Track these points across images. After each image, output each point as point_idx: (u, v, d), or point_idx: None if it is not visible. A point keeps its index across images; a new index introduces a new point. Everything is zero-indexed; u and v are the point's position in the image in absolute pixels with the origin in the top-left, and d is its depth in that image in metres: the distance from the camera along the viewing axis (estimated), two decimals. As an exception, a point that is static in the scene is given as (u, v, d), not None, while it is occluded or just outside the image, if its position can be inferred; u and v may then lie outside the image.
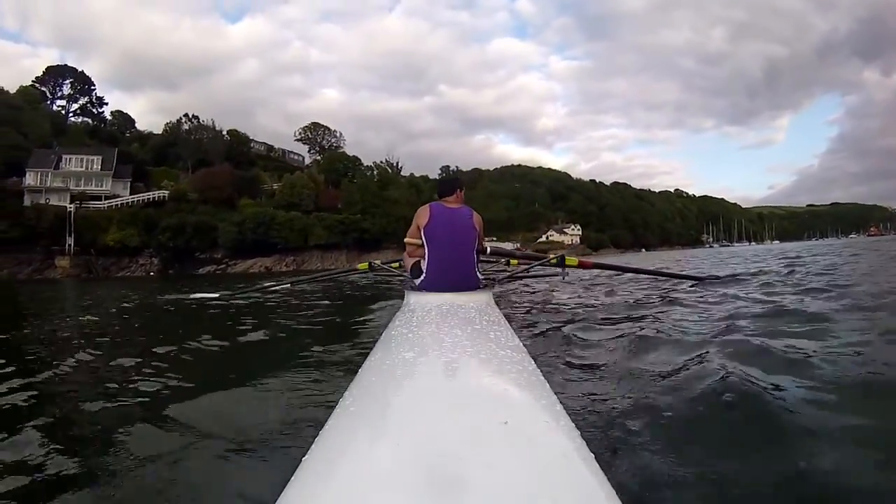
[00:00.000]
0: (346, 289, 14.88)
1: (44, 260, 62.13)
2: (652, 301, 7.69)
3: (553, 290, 10.14)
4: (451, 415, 1.47)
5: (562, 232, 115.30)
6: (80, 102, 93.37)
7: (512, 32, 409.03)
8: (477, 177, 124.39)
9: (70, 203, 67.64)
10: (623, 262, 18.23)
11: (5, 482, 2.44)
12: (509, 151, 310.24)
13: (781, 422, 2.46)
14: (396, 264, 7.90)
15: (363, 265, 8.82)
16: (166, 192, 74.17)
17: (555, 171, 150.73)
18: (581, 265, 7.81)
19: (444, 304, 4.17)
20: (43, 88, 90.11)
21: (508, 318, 4.26)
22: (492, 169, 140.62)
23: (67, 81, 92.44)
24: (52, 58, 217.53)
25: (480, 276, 5.26)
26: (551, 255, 7.92)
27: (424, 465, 1.14)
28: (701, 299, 7.27)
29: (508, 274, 7.69)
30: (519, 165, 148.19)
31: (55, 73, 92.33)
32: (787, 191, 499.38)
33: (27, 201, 66.96)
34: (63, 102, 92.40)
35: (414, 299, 4.61)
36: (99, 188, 72.63)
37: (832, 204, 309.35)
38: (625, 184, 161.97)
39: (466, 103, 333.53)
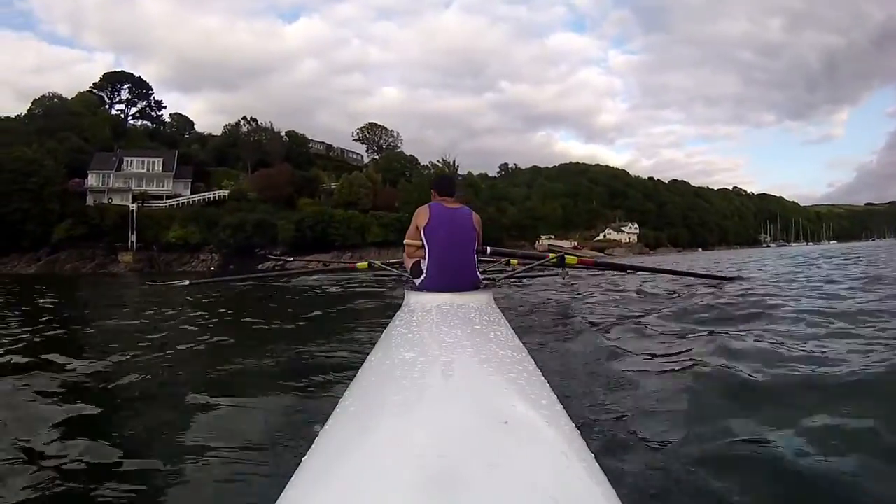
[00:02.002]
0: (346, 288, 14.64)
1: (107, 255, 63.49)
2: (654, 300, 7.81)
3: (554, 290, 10.16)
4: (451, 415, 1.47)
5: (619, 230, 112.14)
6: (139, 106, 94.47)
7: (570, 27, 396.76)
8: (535, 175, 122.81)
9: (132, 202, 69.38)
10: (627, 260, 19.54)
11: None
12: (570, 148, 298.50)
13: (782, 422, 2.52)
14: (396, 264, 7.89)
15: (362, 264, 8.97)
16: (226, 192, 75.00)
17: (613, 168, 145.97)
18: (581, 264, 7.90)
19: (444, 304, 4.16)
20: (101, 94, 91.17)
21: (508, 318, 4.01)
22: (550, 167, 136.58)
23: (126, 86, 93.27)
24: (107, 62, 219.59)
25: (480, 276, 5.22)
26: (551, 255, 7.85)
27: (424, 465, 1.12)
28: (706, 297, 7.46)
29: (508, 274, 7.51)
30: (577, 163, 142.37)
31: (112, 79, 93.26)
32: (846, 188, 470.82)
33: (90, 201, 68.91)
34: (122, 107, 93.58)
35: (414, 299, 4.57)
36: (160, 188, 73.72)
37: (890, 202, 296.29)
38: (683, 181, 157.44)
39: (527, 99, 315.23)
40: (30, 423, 3.23)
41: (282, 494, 1.15)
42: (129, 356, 5.41)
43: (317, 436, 1.45)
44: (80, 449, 2.78)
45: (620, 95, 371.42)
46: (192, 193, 74.41)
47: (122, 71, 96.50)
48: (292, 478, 1.21)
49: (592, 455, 1.29)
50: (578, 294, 9.35)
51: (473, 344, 2.56)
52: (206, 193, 74.35)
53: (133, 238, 65.78)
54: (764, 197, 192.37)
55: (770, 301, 6.72)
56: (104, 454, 2.71)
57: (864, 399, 2.74)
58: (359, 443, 1.34)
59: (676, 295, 8.12)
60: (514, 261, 7.98)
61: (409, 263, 5.37)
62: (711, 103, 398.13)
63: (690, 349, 4.21)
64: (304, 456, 1.31)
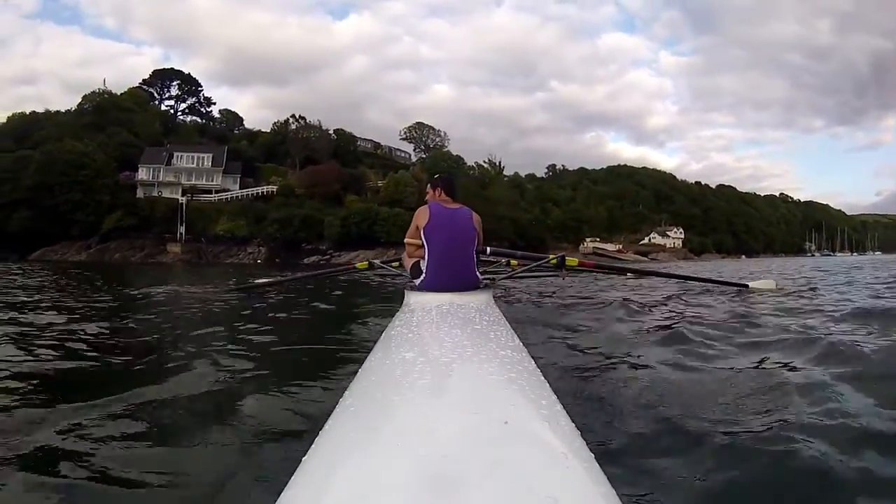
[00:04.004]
0: (345, 289, 14.26)
1: (156, 245, 64.53)
2: (653, 302, 7.93)
3: (554, 291, 10.17)
4: (451, 415, 1.48)
5: (664, 235, 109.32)
6: (189, 102, 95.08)
7: (620, 27, 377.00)
8: (581, 177, 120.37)
9: (181, 196, 70.07)
10: (630, 264, 22.21)
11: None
12: (620, 150, 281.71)
13: (780, 422, 2.53)
14: (396, 264, 7.74)
15: (363, 264, 8.93)
16: (275, 188, 74.80)
17: (660, 171, 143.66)
18: (581, 265, 7.99)
19: (444, 304, 4.10)
20: (151, 90, 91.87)
21: (508, 318, 3.96)
22: (597, 169, 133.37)
23: (175, 83, 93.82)
24: (155, 56, 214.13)
25: (480, 276, 5.13)
26: (551, 256, 7.92)
27: (424, 465, 1.13)
28: (704, 300, 7.69)
29: (508, 274, 7.44)
30: (624, 165, 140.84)
31: (162, 76, 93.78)
32: (894, 197, 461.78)
33: (140, 194, 69.90)
34: (171, 102, 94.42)
35: (414, 299, 4.51)
36: (209, 183, 74.27)
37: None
38: (730, 186, 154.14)
39: (578, 99, 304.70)
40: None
41: (282, 494, 1.15)
42: (122, 356, 5.27)
43: (317, 436, 1.46)
44: (73, 449, 2.60)
45: (671, 97, 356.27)
46: (240, 188, 74.64)
47: (172, 68, 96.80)
48: (292, 478, 1.21)
49: (592, 455, 1.29)
50: (579, 295, 9.43)
51: (473, 344, 2.55)
52: (255, 189, 74.43)
53: (182, 230, 66.44)
54: (810, 205, 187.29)
55: (771, 307, 6.92)
56: (98, 451, 2.57)
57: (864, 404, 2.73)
58: (359, 443, 1.33)
59: (677, 298, 8.33)
60: (514, 261, 7.78)
61: (408, 263, 5.35)
62: (761, 107, 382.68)
63: (690, 350, 4.25)
64: (303, 456, 1.31)
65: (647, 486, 2.01)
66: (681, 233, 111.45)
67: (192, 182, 73.11)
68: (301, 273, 15.85)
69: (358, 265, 9.16)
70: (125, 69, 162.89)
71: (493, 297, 4.90)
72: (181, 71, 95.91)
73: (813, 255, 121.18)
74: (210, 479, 2.30)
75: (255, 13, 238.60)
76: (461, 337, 2.72)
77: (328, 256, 65.68)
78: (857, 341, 4.22)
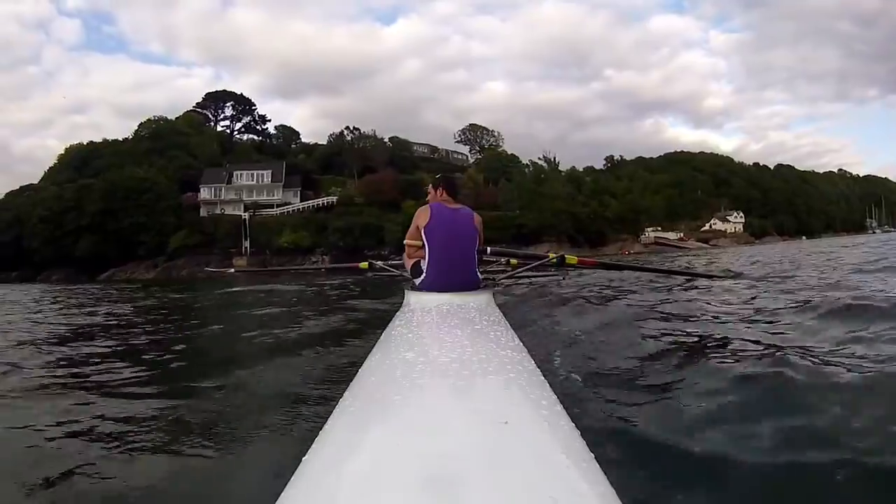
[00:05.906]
0: (345, 288, 14.21)
1: (222, 260, 63.70)
2: (654, 300, 7.34)
3: (554, 290, 9.81)
4: (451, 415, 1.48)
5: (724, 220, 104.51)
6: (244, 121, 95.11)
7: (668, 8, 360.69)
8: (638, 166, 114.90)
9: (244, 212, 70.42)
10: (633, 261, 19.92)
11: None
12: (680, 135, 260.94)
13: (780, 421, 2.44)
14: (397, 264, 7.58)
15: (363, 264, 8.89)
16: (335, 198, 75.11)
17: (717, 155, 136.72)
18: (581, 264, 7.62)
19: (444, 304, 4.02)
20: (205, 112, 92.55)
21: (508, 318, 3.82)
22: (655, 157, 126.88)
23: (228, 104, 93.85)
24: (206, 76, 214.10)
25: (481, 276, 5.04)
26: (552, 255, 7.56)
27: (424, 465, 1.12)
28: (701, 297, 7.30)
29: (509, 274, 7.00)
30: (681, 152, 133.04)
31: (215, 98, 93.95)
32: None
33: (203, 213, 71.22)
34: (227, 123, 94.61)
35: (414, 299, 4.38)
36: (270, 198, 74.58)
37: None
38: (789, 166, 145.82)
39: (633, 86, 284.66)
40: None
41: (282, 494, 1.13)
42: (116, 352, 5.53)
43: (317, 436, 1.45)
44: (71, 444, 2.75)
45: (725, 77, 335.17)
46: (301, 201, 74.78)
47: (224, 90, 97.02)
48: (292, 478, 1.20)
49: (592, 455, 1.27)
50: (579, 294, 8.89)
51: (473, 344, 2.52)
52: (315, 200, 74.72)
53: (246, 244, 66.97)
54: (869, 179, 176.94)
55: (762, 299, 6.42)
56: (98, 452, 2.64)
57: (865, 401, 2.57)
58: (359, 443, 1.33)
59: (678, 294, 7.99)
60: (514, 261, 7.38)
61: (409, 263, 5.18)
62: (814, 80, 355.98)
63: (691, 348, 4.08)
64: (303, 456, 1.29)
65: (647, 487, 1.97)
66: (741, 217, 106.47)
67: (254, 198, 73.58)
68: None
69: (360, 265, 9.04)
70: (177, 91, 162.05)
71: (493, 297, 4.68)
72: (233, 92, 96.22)
73: (874, 232, 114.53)
74: (210, 479, 2.31)
75: (300, 25, 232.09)
76: (461, 337, 2.71)
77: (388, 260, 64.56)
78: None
